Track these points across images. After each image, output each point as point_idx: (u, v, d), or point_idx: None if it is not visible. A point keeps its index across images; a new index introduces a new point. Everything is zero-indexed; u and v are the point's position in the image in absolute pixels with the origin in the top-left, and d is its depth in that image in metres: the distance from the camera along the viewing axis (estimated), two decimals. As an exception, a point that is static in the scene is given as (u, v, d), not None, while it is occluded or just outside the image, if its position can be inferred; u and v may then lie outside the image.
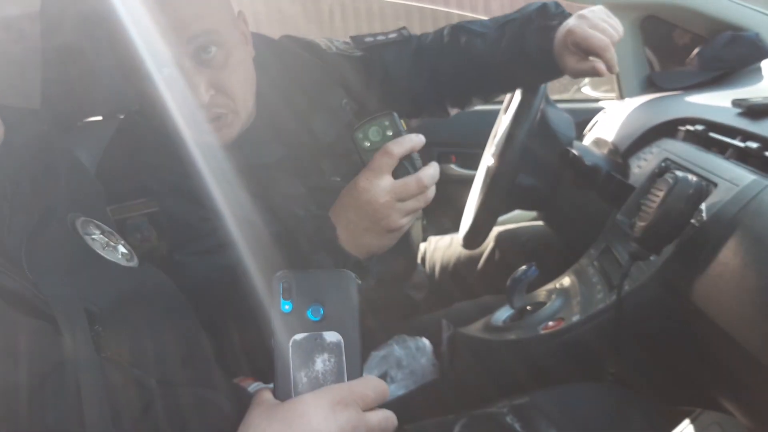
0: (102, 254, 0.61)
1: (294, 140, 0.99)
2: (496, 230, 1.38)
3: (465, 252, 1.38)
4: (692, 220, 0.77)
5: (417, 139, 0.72)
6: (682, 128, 1.02)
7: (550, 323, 0.99)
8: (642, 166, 1.07)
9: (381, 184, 0.71)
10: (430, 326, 1.12)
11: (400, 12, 4.31)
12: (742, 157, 0.82)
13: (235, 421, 0.55)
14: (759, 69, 1.17)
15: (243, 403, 0.59)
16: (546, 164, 1.15)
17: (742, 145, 0.82)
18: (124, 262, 0.63)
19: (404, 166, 0.73)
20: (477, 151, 1.42)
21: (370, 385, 0.55)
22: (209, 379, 0.62)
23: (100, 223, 0.65)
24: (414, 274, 1.28)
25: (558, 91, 2.02)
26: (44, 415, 0.46)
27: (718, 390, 0.83)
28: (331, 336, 0.55)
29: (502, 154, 1.07)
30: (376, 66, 1.09)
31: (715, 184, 0.79)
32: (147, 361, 0.56)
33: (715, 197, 0.77)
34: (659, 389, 0.92)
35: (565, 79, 1.07)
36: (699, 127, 0.96)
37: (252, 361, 0.86)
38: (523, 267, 1.04)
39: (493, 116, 1.36)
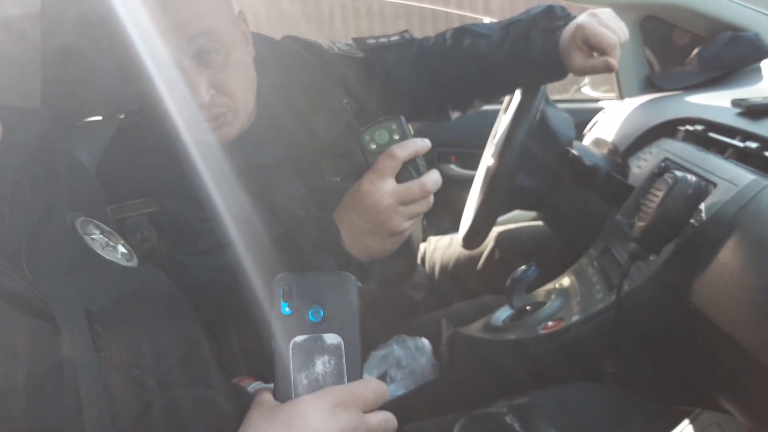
0: (101, 254, 0.61)
1: (294, 140, 0.99)
2: (495, 230, 1.38)
3: (465, 252, 1.38)
4: (692, 220, 0.77)
5: (422, 144, 0.73)
6: (682, 128, 1.02)
7: (550, 323, 0.99)
8: (642, 166, 1.07)
9: (384, 187, 0.72)
10: (430, 326, 1.12)
11: (400, 12, 4.31)
12: (742, 157, 0.82)
13: (234, 421, 0.55)
14: (758, 69, 1.17)
15: (242, 404, 0.59)
16: (545, 164, 1.15)
17: (741, 145, 0.82)
18: (123, 262, 0.63)
19: (408, 170, 0.74)
20: (477, 151, 1.42)
21: (370, 386, 0.55)
22: (208, 379, 0.62)
23: (99, 223, 0.65)
24: (414, 274, 1.28)
25: (558, 91, 2.02)
26: (43, 414, 0.46)
27: (718, 390, 0.83)
28: (331, 338, 0.55)
29: (501, 155, 1.07)
30: (377, 68, 1.10)
31: (715, 184, 0.79)
32: (146, 361, 0.56)
33: (714, 197, 0.77)
34: (659, 389, 0.92)
35: (565, 79, 1.07)
36: (698, 127, 0.96)
37: (251, 361, 0.87)
38: (523, 267, 1.04)
39: (492, 116, 1.36)
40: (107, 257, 0.61)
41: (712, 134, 0.92)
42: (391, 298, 1.19)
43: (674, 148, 0.99)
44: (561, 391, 0.88)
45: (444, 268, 1.41)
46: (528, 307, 1.08)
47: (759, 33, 1.26)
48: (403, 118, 0.73)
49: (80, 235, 0.60)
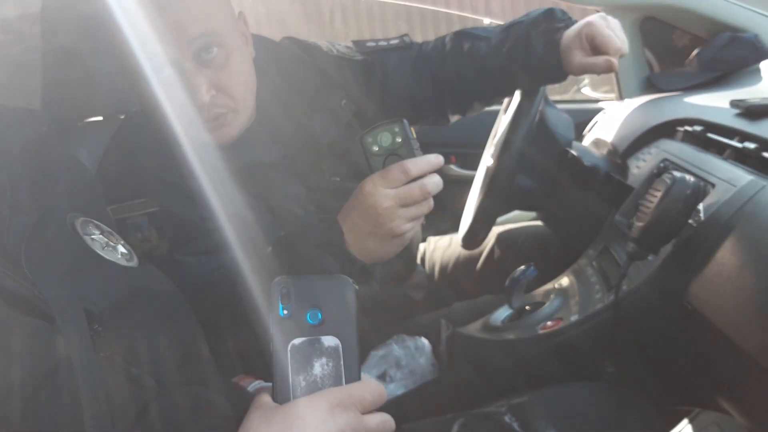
0: (101, 254, 0.61)
1: (293, 140, 0.99)
2: (495, 230, 1.38)
3: (464, 252, 1.38)
4: (690, 221, 0.78)
5: (435, 161, 0.73)
6: (681, 129, 1.02)
7: (549, 323, 0.99)
8: (641, 166, 1.08)
9: (385, 190, 0.72)
10: (429, 326, 1.12)
11: (400, 13, 4.31)
12: (740, 157, 0.82)
13: (233, 421, 0.56)
14: (758, 70, 1.17)
15: (242, 403, 0.59)
16: (545, 165, 1.15)
17: (740, 145, 0.82)
18: (123, 262, 0.63)
19: None
20: (477, 151, 1.42)
21: (368, 388, 0.55)
22: (208, 379, 0.63)
23: (99, 223, 0.65)
24: (413, 274, 1.28)
25: (558, 91, 2.02)
26: (42, 414, 0.46)
27: (716, 390, 0.84)
28: (329, 340, 0.55)
29: (501, 155, 1.08)
30: (376, 70, 1.10)
31: (713, 185, 0.79)
32: (145, 361, 0.56)
33: (712, 198, 0.77)
34: (657, 389, 0.92)
35: (565, 80, 1.08)
36: (697, 128, 0.96)
37: (250, 361, 0.87)
38: (522, 267, 1.04)
39: (492, 117, 1.36)
40: (107, 257, 0.61)
41: (710, 135, 0.92)
42: (390, 297, 1.19)
43: (673, 148, 1.00)
44: (560, 390, 0.88)
45: (443, 268, 1.41)
46: (527, 307, 1.08)
47: (758, 34, 1.26)
48: (405, 121, 0.73)
49: (80, 236, 0.60)
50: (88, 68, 1.11)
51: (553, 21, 1.04)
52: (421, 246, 1.49)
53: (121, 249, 0.64)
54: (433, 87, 1.13)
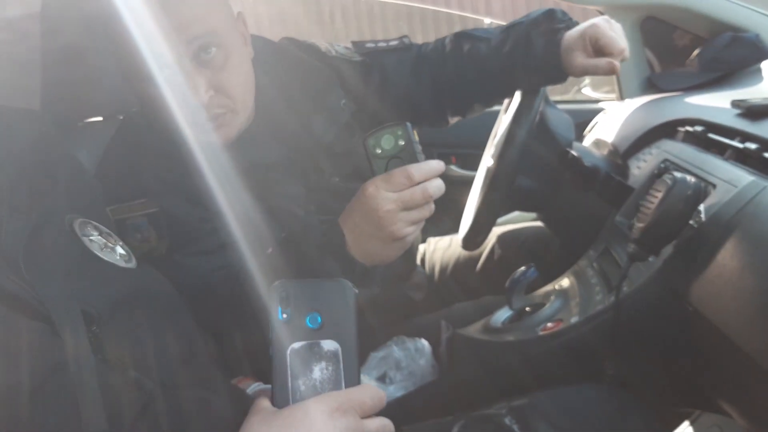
0: (100, 255, 0.61)
1: (293, 140, 0.99)
2: (495, 231, 1.38)
3: (464, 253, 1.38)
4: (691, 222, 0.77)
5: (437, 167, 0.73)
6: (682, 129, 1.02)
7: (549, 324, 0.98)
8: (641, 167, 1.07)
9: (387, 194, 0.72)
10: (430, 327, 1.12)
11: (401, 14, 4.31)
12: (741, 158, 0.82)
13: (233, 423, 0.56)
14: (759, 70, 1.17)
15: (241, 406, 0.59)
16: (545, 166, 1.14)
17: (741, 146, 0.82)
18: (122, 264, 0.63)
19: None
20: (477, 152, 1.42)
21: (367, 392, 0.55)
22: (207, 381, 0.62)
23: (98, 224, 0.65)
24: (413, 275, 1.28)
25: (559, 92, 2.02)
26: (42, 417, 0.46)
27: (717, 392, 0.83)
28: (329, 344, 0.55)
29: (501, 156, 1.07)
30: (375, 71, 1.10)
31: (714, 185, 0.79)
32: (145, 363, 0.56)
33: (713, 198, 0.77)
34: (658, 391, 0.92)
35: (566, 81, 1.07)
36: (698, 128, 0.96)
37: (253, 361, 0.87)
38: (522, 268, 1.04)
39: (493, 117, 1.36)
40: (106, 259, 0.61)
41: (711, 135, 0.91)
42: (390, 298, 1.19)
43: (674, 148, 0.99)
44: (560, 392, 0.87)
45: (443, 269, 1.41)
46: (527, 309, 1.08)
47: (759, 34, 1.25)
48: (409, 124, 0.73)
49: (78, 237, 0.60)
50: (88, 68, 1.11)
51: (553, 21, 1.04)
52: (421, 247, 1.48)
53: (120, 250, 0.64)
54: (433, 88, 1.13)
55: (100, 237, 0.63)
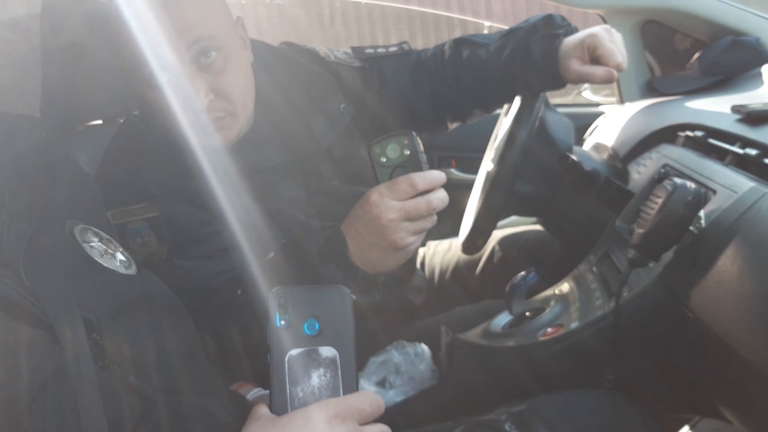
0: (100, 262, 0.61)
1: (293, 144, 0.99)
2: (495, 235, 1.38)
3: (464, 257, 1.38)
4: (691, 227, 0.77)
5: (439, 177, 0.73)
6: (682, 134, 1.02)
7: (549, 329, 0.98)
8: (642, 171, 1.07)
9: (391, 202, 0.72)
10: (429, 331, 1.12)
11: (401, 17, 4.32)
12: (742, 163, 0.82)
13: (233, 429, 0.56)
14: (759, 74, 1.17)
15: (241, 412, 0.59)
16: (544, 170, 1.14)
17: (741, 151, 0.82)
18: (122, 270, 0.63)
19: None
20: (477, 155, 1.42)
21: (366, 399, 0.55)
22: (207, 387, 0.62)
23: (98, 231, 0.65)
24: (413, 278, 1.28)
25: (559, 95, 2.02)
26: (42, 423, 0.46)
27: (717, 397, 0.83)
28: (327, 351, 0.55)
29: (501, 159, 1.07)
30: (373, 77, 1.10)
31: (714, 191, 0.79)
32: (144, 370, 0.56)
33: (713, 204, 0.77)
34: (658, 396, 0.92)
35: (564, 87, 1.07)
36: (698, 133, 0.96)
37: (253, 365, 0.87)
38: (522, 273, 1.04)
39: (493, 121, 1.36)
40: (106, 265, 0.61)
41: (711, 140, 0.91)
42: (390, 302, 1.19)
43: (674, 153, 0.99)
44: (560, 397, 0.87)
45: (443, 273, 1.41)
46: (527, 314, 1.08)
47: (760, 37, 1.25)
48: (414, 133, 0.74)
49: (79, 243, 0.60)
50: (87, 70, 1.11)
51: (552, 27, 1.04)
52: (421, 250, 1.48)
53: (120, 257, 0.64)
54: (432, 94, 1.13)
55: (100, 243, 0.63)
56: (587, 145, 1.38)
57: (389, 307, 1.17)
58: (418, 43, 1.19)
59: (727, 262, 0.70)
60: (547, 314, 1.04)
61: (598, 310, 0.94)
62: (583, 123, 1.49)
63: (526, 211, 1.34)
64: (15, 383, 0.45)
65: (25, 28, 1.05)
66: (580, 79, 1.01)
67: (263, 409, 0.55)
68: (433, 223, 0.74)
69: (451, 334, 1.08)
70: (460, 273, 1.38)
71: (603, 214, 1.09)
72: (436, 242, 1.51)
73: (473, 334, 1.08)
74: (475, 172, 1.36)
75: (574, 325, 0.95)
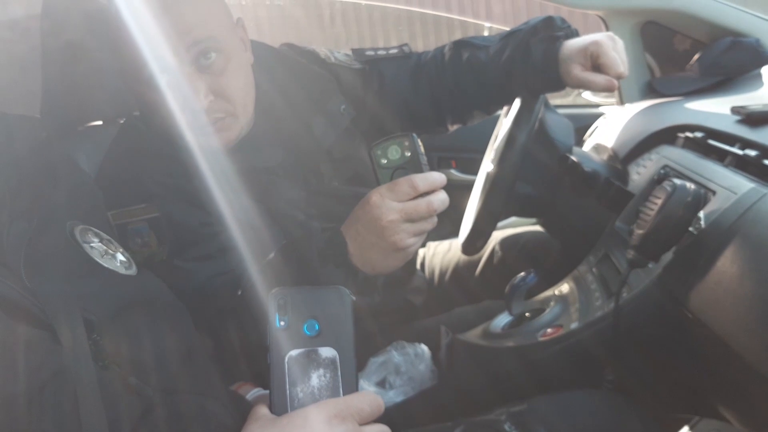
0: (100, 262, 0.61)
1: (293, 144, 0.99)
2: (495, 235, 1.38)
3: (464, 257, 1.38)
4: (690, 228, 0.77)
5: (440, 179, 0.73)
6: (682, 135, 1.02)
7: (549, 330, 0.98)
8: (641, 172, 1.07)
9: (392, 204, 0.72)
10: (429, 332, 1.12)
11: (401, 18, 4.32)
12: (741, 164, 0.82)
13: (232, 429, 0.56)
14: (759, 75, 1.17)
15: (241, 412, 0.59)
16: (544, 171, 1.15)
17: (740, 152, 0.82)
18: (122, 270, 0.63)
19: None
20: (477, 156, 1.42)
21: (365, 399, 0.55)
22: (207, 387, 0.62)
23: (98, 231, 0.65)
24: (413, 279, 1.28)
25: (558, 96, 2.03)
26: (42, 424, 0.46)
27: (717, 398, 0.83)
28: (327, 351, 0.55)
29: (501, 160, 1.07)
30: (373, 79, 1.11)
31: (714, 192, 0.79)
32: (144, 370, 0.56)
33: (713, 205, 0.77)
34: (658, 396, 0.92)
35: (564, 89, 1.08)
36: (698, 134, 0.96)
37: (252, 366, 0.87)
38: (522, 274, 1.04)
39: (493, 122, 1.36)
40: (106, 266, 0.61)
41: (711, 141, 0.92)
42: (390, 302, 1.19)
43: (674, 154, 0.99)
44: (560, 398, 0.87)
45: (443, 273, 1.41)
46: (527, 314, 1.08)
47: (759, 39, 1.26)
48: (414, 135, 0.74)
49: (79, 244, 0.60)
50: (87, 71, 1.11)
51: (552, 29, 1.04)
52: (421, 251, 1.48)
53: (120, 257, 0.64)
54: (431, 97, 1.13)
55: (100, 244, 0.63)
56: (587, 146, 1.38)
57: (389, 307, 1.17)
58: (419, 45, 1.20)
59: (727, 263, 0.70)
60: (547, 315, 1.04)
61: (597, 311, 0.94)
62: (583, 124, 1.49)
63: (526, 212, 1.34)
64: (15, 383, 0.46)
65: (24, 28, 1.05)
66: (581, 86, 1.01)
67: (263, 410, 0.55)
68: (433, 224, 0.75)
69: (450, 334, 1.08)
70: (459, 274, 1.38)
71: (603, 215, 1.09)
72: (436, 243, 1.51)
73: (473, 335, 1.08)
74: (475, 173, 1.36)
75: (573, 325, 0.95)
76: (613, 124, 1.32)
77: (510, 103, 1.20)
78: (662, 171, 0.96)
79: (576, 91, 1.91)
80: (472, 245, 1.18)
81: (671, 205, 0.76)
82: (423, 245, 1.50)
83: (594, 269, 1.06)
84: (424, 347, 1.06)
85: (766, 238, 0.67)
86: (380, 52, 1.13)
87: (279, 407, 0.54)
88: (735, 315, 0.68)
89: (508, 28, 1.14)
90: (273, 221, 0.95)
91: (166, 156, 0.90)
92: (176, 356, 0.62)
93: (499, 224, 1.52)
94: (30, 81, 1.05)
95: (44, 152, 0.68)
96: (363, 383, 1.00)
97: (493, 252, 1.36)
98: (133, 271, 0.64)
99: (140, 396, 0.54)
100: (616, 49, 0.98)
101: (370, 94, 1.10)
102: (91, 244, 0.62)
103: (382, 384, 1.01)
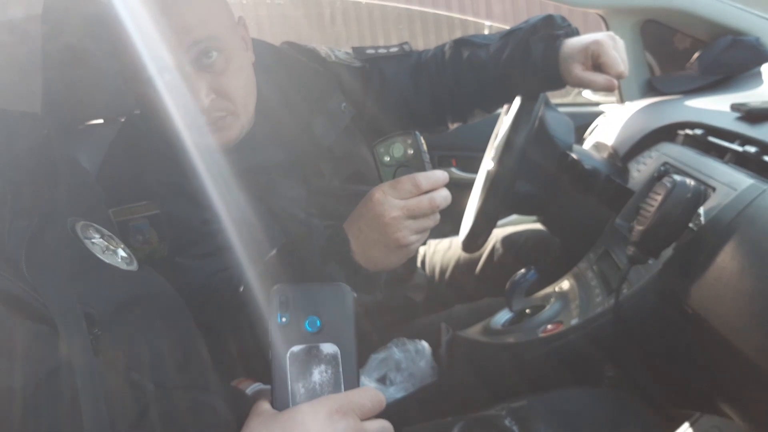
0: (102, 258, 0.61)
1: (294, 143, 0.99)
2: (495, 233, 1.38)
3: (464, 255, 1.38)
4: (690, 225, 0.77)
5: (442, 177, 0.74)
6: (682, 132, 1.02)
7: (549, 327, 0.99)
8: (641, 170, 1.07)
9: (395, 201, 0.72)
10: (430, 329, 1.12)
11: (401, 17, 4.32)
12: (741, 161, 0.82)
13: (232, 425, 0.56)
14: (759, 73, 1.17)
15: (241, 407, 0.59)
16: (544, 169, 1.15)
17: (740, 149, 0.83)
18: (123, 266, 0.63)
19: None
20: (477, 154, 1.42)
21: (367, 395, 0.55)
22: (207, 383, 0.63)
23: (99, 227, 0.65)
24: (413, 276, 1.28)
25: (559, 94, 2.02)
26: (41, 418, 0.46)
27: (717, 394, 0.83)
28: (328, 347, 0.56)
29: (501, 158, 1.08)
30: (374, 78, 1.11)
31: (714, 189, 0.79)
32: (145, 365, 0.56)
33: (713, 201, 0.77)
34: (658, 392, 0.92)
35: (564, 88, 1.08)
36: (698, 131, 0.96)
37: (250, 364, 0.87)
38: (522, 270, 1.04)
39: (493, 120, 1.36)
40: (107, 261, 0.61)
41: (711, 138, 0.92)
42: (390, 299, 1.20)
43: (674, 152, 1.00)
44: (559, 394, 0.88)
45: (443, 271, 1.41)
46: (527, 311, 1.08)
47: (759, 37, 1.26)
48: (417, 133, 0.74)
49: (81, 240, 0.61)
50: (88, 71, 1.12)
51: (552, 28, 1.04)
52: (422, 249, 1.49)
53: (121, 253, 0.65)
54: (432, 95, 1.13)
55: (102, 240, 0.63)
56: (587, 144, 1.38)
57: (390, 304, 1.18)
58: (419, 43, 1.20)
59: (726, 259, 0.70)
60: (547, 311, 1.04)
61: (597, 307, 0.94)
62: (583, 122, 1.49)
63: (526, 209, 1.34)
64: (17, 377, 0.46)
65: (24, 30, 1.05)
66: (581, 85, 1.01)
67: (265, 405, 0.55)
68: (435, 221, 0.75)
69: (451, 331, 1.09)
70: (460, 271, 1.38)
71: (603, 212, 1.09)
72: (437, 241, 1.51)
73: (473, 332, 1.09)
74: (476, 171, 1.37)
75: (573, 322, 0.96)
76: (613, 122, 1.32)
77: (510, 101, 1.21)
78: (662, 168, 0.96)
79: (576, 90, 1.91)
80: (473, 243, 1.18)
81: (671, 201, 0.76)
82: (423, 243, 1.51)
83: (594, 266, 1.06)
84: (424, 344, 1.07)
85: (765, 234, 0.68)
86: (381, 51, 1.13)
87: (281, 403, 0.55)
88: (735, 311, 0.68)
89: (508, 27, 1.14)
90: (274, 220, 0.95)
91: (166, 155, 0.90)
92: (177, 352, 0.62)
93: (500, 222, 1.52)
94: (30, 82, 1.05)
95: (45, 150, 0.68)
96: (364, 379, 1.00)
97: (493, 249, 1.36)
98: (134, 266, 0.64)
99: (141, 391, 0.54)
100: (616, 48, 0.98)
101: (371, 92, 1.10)
102: (93, 240, 0.62)
103: (382, 380, 1.02)
